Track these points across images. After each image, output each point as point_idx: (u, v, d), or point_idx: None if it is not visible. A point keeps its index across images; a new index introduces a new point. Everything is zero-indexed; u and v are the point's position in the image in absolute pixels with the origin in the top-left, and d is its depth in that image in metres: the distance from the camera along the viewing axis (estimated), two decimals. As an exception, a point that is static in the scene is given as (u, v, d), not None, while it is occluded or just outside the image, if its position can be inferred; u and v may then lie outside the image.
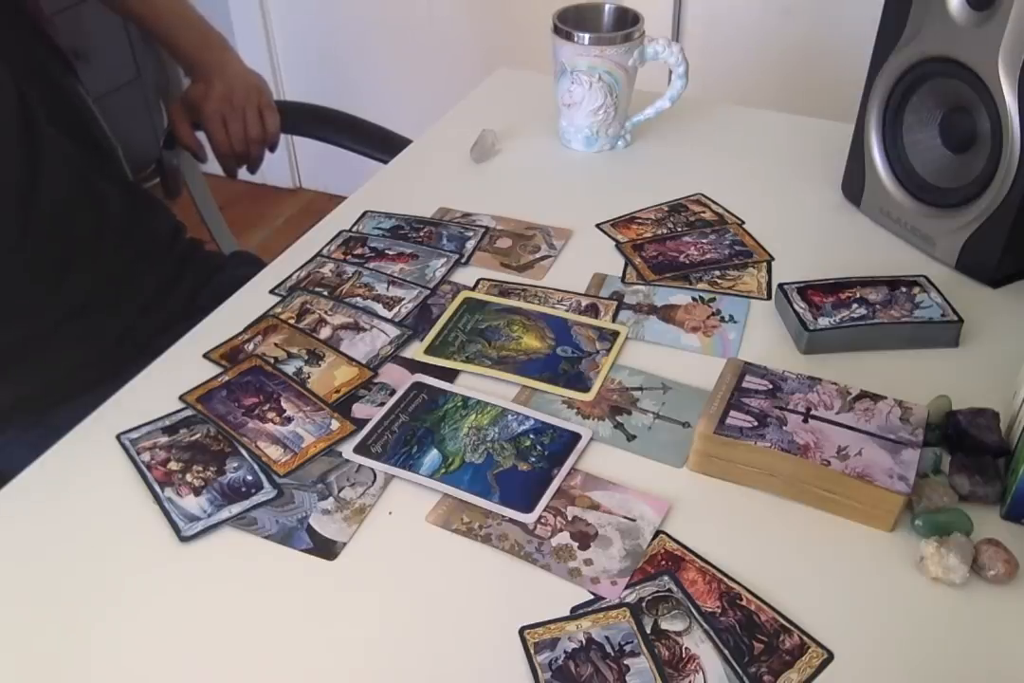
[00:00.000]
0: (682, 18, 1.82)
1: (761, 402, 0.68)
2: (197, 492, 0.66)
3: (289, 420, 0.71)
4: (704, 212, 0.95)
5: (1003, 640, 0.57)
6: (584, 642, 0.56)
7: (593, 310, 0.82)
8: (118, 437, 0.70)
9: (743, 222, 0.94)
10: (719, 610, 0.58)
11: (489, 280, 0.86)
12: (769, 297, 0.84)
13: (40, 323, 0.87)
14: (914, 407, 0.68)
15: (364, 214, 0.95)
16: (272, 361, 0.76)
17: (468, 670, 0.56)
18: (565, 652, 0.56)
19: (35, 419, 0.85)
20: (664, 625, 0.57)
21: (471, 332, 0.79)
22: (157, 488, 0.66)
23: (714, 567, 0.61)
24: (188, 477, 0.67)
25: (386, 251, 0.90)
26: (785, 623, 0.57)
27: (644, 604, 0.59)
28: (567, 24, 0.98)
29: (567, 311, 0.82)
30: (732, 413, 0.67)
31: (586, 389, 0.74)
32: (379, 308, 0.82)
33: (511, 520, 0.64)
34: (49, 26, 0.98)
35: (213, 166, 1.16)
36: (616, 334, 0.79)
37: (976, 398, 0.70)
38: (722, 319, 0.81)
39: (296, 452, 0.68)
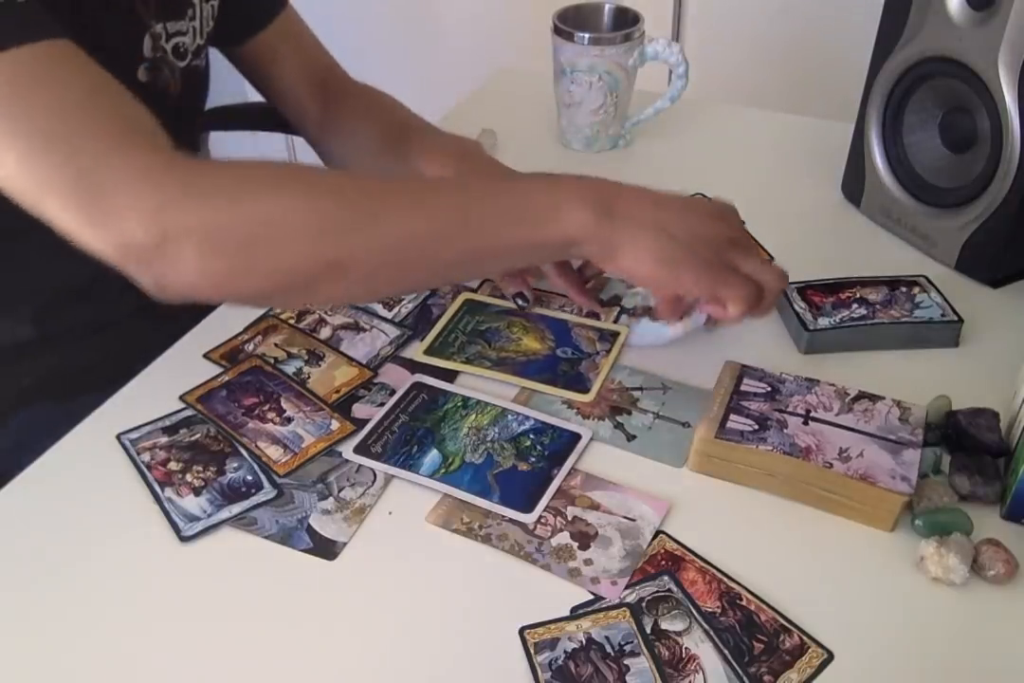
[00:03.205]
0: (682, 18, 1.82)
1: (760, 405, 0.68)
2: (197, 492, 0.66)
3: (289, 420, 0.71)
4: (704, 212, 0.95)
5: (1003, 640, 0.57)
6: (584, 642, 0.56)
7: (594, 314, 0.82)
8: (118, 437, 0.70)
9: (743, 222, 0.94)
10: (719, 610, 0.58)
11: (493, 281, 0.86)
12: (769, 297, 0.84)
13: (41, 322, 0.86)
14: (912, 407, 0.68)
15: (364, 214, 0.95)
16: (272, 361, 0.76)
17: (468, 670, 0.56)
18: (565, 652, 0.56)
19: (36, 419, 0.85)
20: (664, 625, 0.58)
21: (471, 333, 0.79)
22: (157, 488, 0.66)
23: (714, 567, 0.61)
24: (188, 477, 0.67)
25: (386, 251, 0.89)
26: (785, 623, 0.57)
27: (644, 604, 0.59)
28: (567, 24, 0.98)
29: (569, 313, 0.82)
30: (732, 417, 0.67)
31: (585, 390, 0.74)
32: (379, 308, 0.82)
33: (511, 520, 0.64)
34: None
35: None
36: (616, 335, 0.79)
37: (976, 398, 0.70)
38: None
39: (296, 452, 0.68)
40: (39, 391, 0.86)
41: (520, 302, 0.81)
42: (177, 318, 0.81)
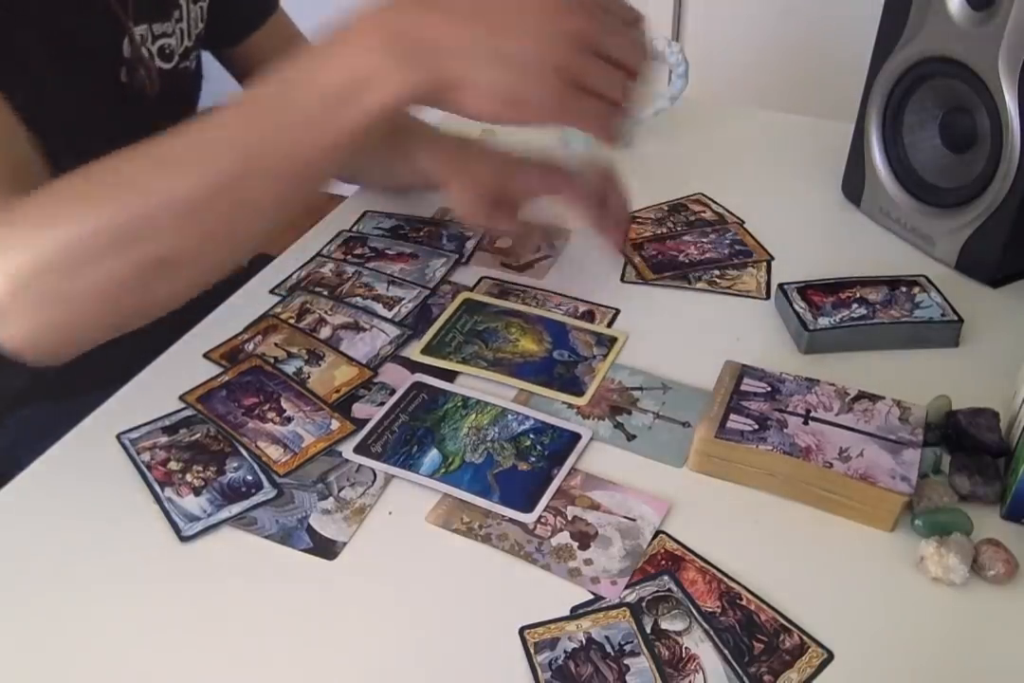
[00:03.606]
0: (682, 18, 1.82)
1: (760, 405, 0.68)
2: (197, 492, 0.66)
3: (289, 420, 0.71)
4: (704, 212, 0.95)
5: (1003, 640, 0.57)
6: (584, 642, 0.56)
7: (589, 316, 0.82)
8: (118, 437, 0.70)
9: (743, 222, 0.94)
10: (719, 610, 0.58)
11: (492, 279, 0.86)
12: (768, 297, 0.84)
13: None
14: (912, 407, 0.68)
15: (364, 214, 0.95)
16: (272, 361, 0.76)
17: (468, 670, 0.56)
18: (565, 652, 0.56)
19: (35, 418, 0.85)
20: (664, 625, 0.58)
21: (468, 333, 0.79)
22: (157, 488, 0.66)
23: (714, 567, 0.61)
24: (188, 477, 0.67)
25: (386, 251, 0.90)
26: (785, 623, 0.57)
27: (644, 604, 0.59)
28: (567, 24, 0.98)
29: (564, 315, 0.82)
30: (732, 417, 0.67)
31: (580, 393, 0.74)
32: (379, 308, 0.82)
33: (511, 520, 0.64)
34: None
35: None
36: (614, 340, 0.79)
37: (976, 398, 0.70)
38: None
39: (296, 452, 0.68)
40: (35, 392, 0.86)
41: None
42: (176, 319, 0.81)
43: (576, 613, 0.58)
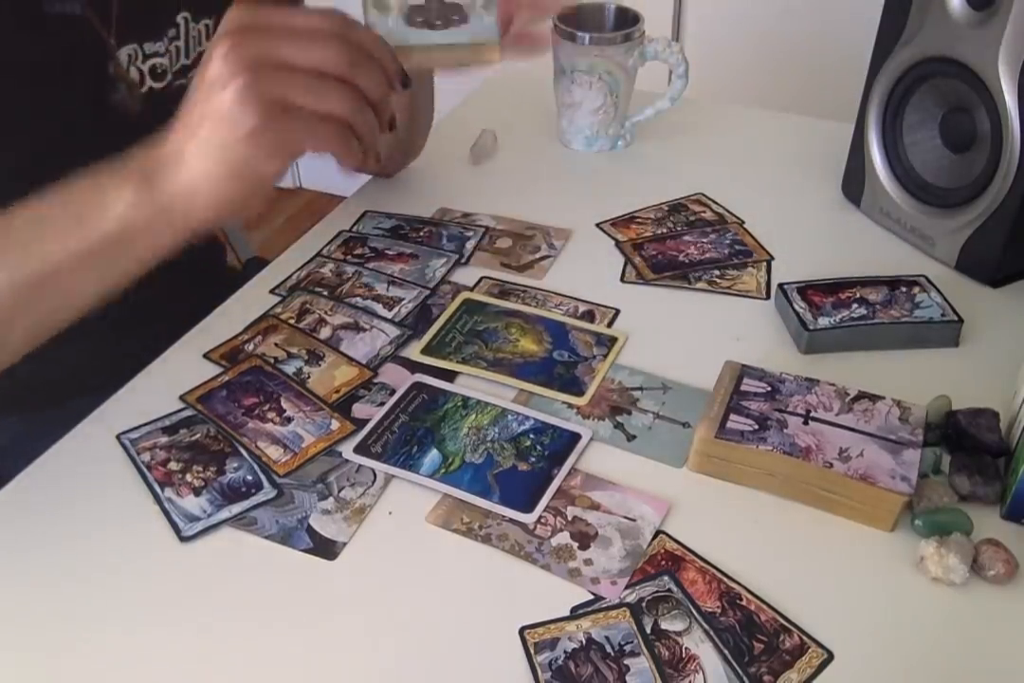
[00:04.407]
0: (682, 18, 1.82)
1: (760, 405, 0.68)
2: (197, 492, 0.66)
3: (289, 420, 0.71)
4: (704, 212, 0.95)
5: (1003, 640, 0.57)
6: (584, 642, 0.56)
7: (589, 316, 0.82)
8: (118, 437, 0.70)
9: (743, 222, 0.94)
10: (719, 610, 0.58)
11: (491, 279, 0.86)
12: (768, 297, 0.84)
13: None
14: (912, 407, 0.68)
15: (364, 214, 0.95)
16: (272, 361, 0.76)
17: (468, 670, 0.56)
18: (565, 652, 0.56)
19: (34, 418, 0.84)
20: (664, 625, 0.58)
21: (468, 333, 0.79)
22: (157, 488, 0.66)
23: (714, 567, 0.61)
24: (188, 477, 0.67)
25: (386, 251, 0.90)
26: (785, 623, 0.57)
27: (644, 604, 0.59)
28: (567, 24, 0.98)
29: (564, 315, 0.82)
30: (732, 417, 0.67)
31: (580, 393, 0.74)
32: (379, 308, 0.82)
33: (511, 520, 0.64)
34: None
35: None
36: (614, 340, 0.79)
37: (976, 398, 0.70)
38: None
39: (296, 452, 0.68)
40: (35, 393, 0.86)
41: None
42: (176, 319, 0.81)
43: (576, 613, 0.58)
